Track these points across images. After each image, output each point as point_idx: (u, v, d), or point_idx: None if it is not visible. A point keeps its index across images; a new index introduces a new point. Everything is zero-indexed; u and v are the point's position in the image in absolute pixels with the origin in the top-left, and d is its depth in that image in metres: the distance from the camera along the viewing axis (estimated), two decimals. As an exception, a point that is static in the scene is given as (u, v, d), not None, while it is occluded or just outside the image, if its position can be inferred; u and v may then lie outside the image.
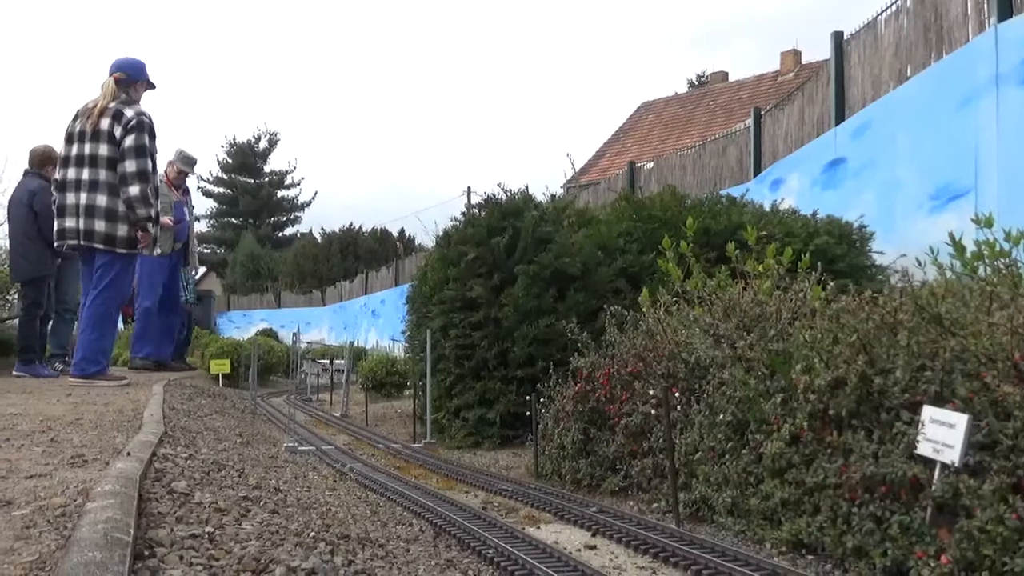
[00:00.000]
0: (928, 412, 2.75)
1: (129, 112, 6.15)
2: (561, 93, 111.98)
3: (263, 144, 52.59)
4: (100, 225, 6.11)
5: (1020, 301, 2.94)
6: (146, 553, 1.79)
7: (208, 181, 51.71)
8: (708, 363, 4.18)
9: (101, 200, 6.10)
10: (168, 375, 8.27)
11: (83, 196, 6.10)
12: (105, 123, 6.12)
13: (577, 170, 22.35)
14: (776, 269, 4.56)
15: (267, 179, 52.43)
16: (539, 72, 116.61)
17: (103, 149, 6.12)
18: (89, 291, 6.28)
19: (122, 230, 6.17)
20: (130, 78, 6.42)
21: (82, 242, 6.14)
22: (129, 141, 6.09)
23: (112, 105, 6.17)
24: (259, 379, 12.36)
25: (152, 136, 6.29)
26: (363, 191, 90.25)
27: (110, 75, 6.33)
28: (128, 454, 2.74)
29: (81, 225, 6.11)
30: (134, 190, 6.08)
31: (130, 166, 6.09)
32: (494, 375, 6.78)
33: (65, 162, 6.25)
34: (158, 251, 7.21)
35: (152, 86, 6.68)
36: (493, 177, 30.12)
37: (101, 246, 6.14)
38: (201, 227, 50.88)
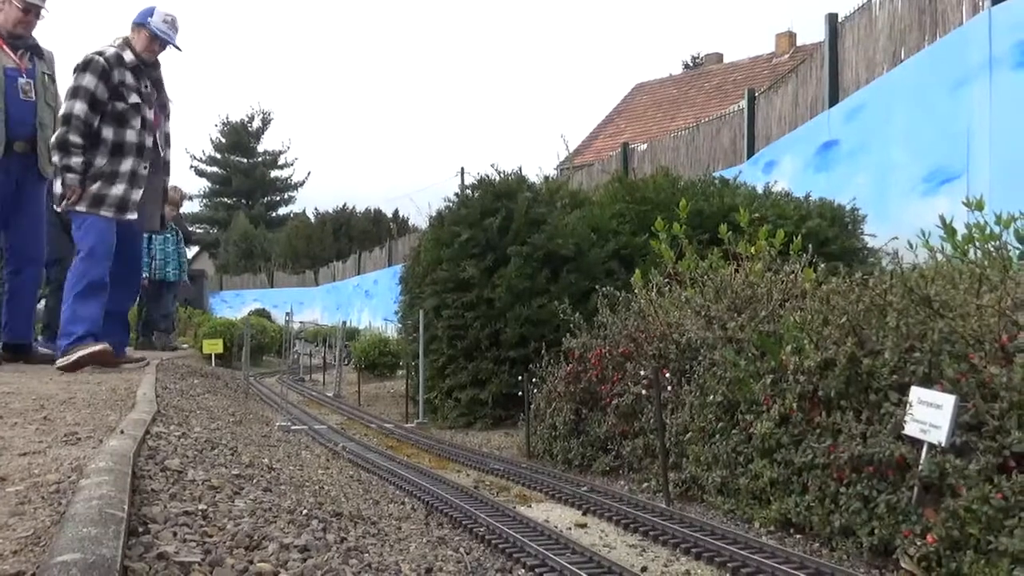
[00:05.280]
0: (916, 393, 2.77)
1: (88, 54, 5.66)
2: (556, 74, 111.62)
3: (257, 124, 52.41)
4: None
5: (1009, 283, 2.96)
6: (140, 529, 1.80)
7: (201, 160, 51.53)
8: (699, 344, 4.20)
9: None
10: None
11: None
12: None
13: (571, 151, 22.30)
14: (768, 251, 4.58)
15: (260, 159, 52.25)
16: (534, 53, 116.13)
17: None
18: None
19: (56, 185, 5.64)
20: (133, 25, 5.89)
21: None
22: (70, 83, 5.62)
23: None
24: (252, 359, 12.37)
25: (102, 76, 5.59)
26: (357, 171, 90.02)
27: None
28: (121, 432, 2.75)
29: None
30: (54, 136, 5.58)
31: (60, 110, 5.61)
32: (487, 356, 6.80)
33: None
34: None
35: (154, 35, 5.79)
36: (487, 158, 30.09)
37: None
38: (194, 207, 50.72)
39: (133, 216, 5.75)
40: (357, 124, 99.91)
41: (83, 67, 5.58)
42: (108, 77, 5.61)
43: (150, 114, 5.88)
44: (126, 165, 5.70)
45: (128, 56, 5.74)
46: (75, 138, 5.54)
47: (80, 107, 5.53)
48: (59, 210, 5.81)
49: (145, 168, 5.83)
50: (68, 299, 5.59)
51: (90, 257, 5.62)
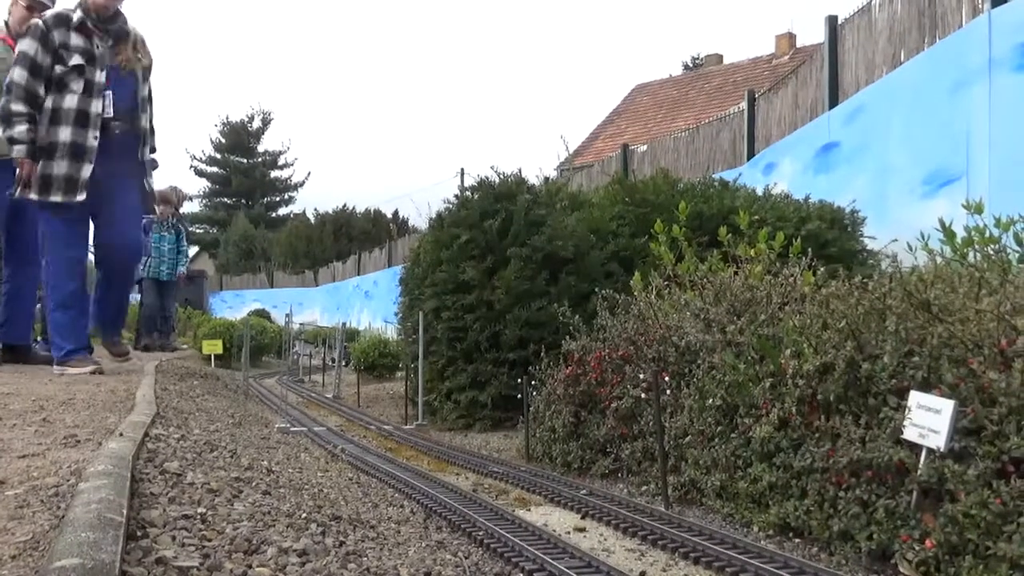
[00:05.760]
0: (915, 398, 2.77)
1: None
2: (556, 74, 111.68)
3: (257, 124, 52.51)
4: None
5: (1008, 287, 2.97)
6: (139, 533, 1.81)
7: (201, 160, 51.58)
8: (698, 347, 4.20)
9: None
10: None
11: None
12: None
13: (571, 152, 22.29)
14: (767, 254, 4.58)
15: (260, 159, 52.34)
16: (534, 54, 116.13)
17: None
18: None
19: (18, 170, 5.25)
20: None
21: None
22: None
23: None
24: (251, 360, 12.38)
25: (40, 39, 5.18)
26: (357, 171, 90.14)
27: None
28: (121, 434, 2.75)
29: None
30: None
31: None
32: (486, 358, 6.79)
33: None
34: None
35: None
36: (487, 158, 30.19)
37: None
38: (194, 207, 50.75)
39: (82, 197, 5.28)
40: (357, 124, 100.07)
41: (23, 33, 5.27)
42: (47, 40, 5.21)
43: (100, 76, 5.36)
44: (64, 134, 5.24)
45: (77, 15, 5.31)
46: (17, 107, 5.17)
47: (19, 74, 5.17)
48: (12, 196, 5.42)
49: (95, 138, 5.32)
50: (50, 307, 5.49)
51: (56, 275, 5.41)
